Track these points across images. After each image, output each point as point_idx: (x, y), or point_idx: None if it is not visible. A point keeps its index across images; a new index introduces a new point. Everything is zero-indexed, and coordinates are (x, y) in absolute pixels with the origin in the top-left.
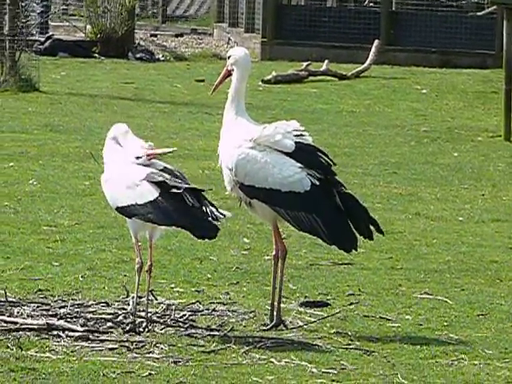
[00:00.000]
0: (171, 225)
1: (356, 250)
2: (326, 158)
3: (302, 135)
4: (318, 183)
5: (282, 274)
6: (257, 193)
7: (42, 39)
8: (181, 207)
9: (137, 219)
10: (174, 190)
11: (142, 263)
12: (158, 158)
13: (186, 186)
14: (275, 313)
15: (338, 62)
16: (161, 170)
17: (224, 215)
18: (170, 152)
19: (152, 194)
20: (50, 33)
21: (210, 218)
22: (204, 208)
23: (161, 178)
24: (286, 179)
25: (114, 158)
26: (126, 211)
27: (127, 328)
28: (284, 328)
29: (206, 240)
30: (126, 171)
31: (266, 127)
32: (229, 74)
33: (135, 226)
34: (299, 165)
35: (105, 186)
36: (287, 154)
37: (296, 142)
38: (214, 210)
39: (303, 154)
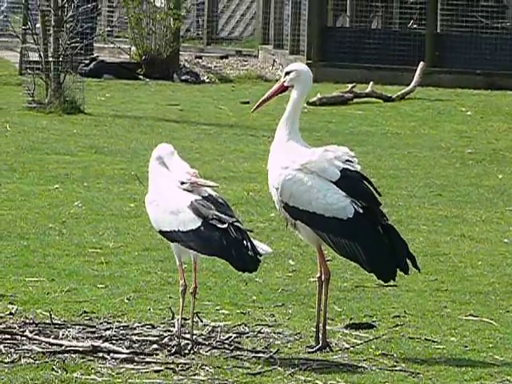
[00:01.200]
0: (212, 255)
1: (394, 280)
2: (372, 188)
3: (350, 161)
4: (361, 211)
5: (326, 296)
6: (300, 215)
7: (87, 61)
8: (223, 239)
9: (179, 245)
10: (219, 225)
11: (185, 286)
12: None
13: (231, 221)
14: (320, 335)
15: (383, 84)
16: (204, 198)
17: (265, 251)
18: (213, 186)
19: (195, 223)
20: (95, 54)
21: (251, 252)
22: (246, 242)
23: (204, 211)
24: (329, 205)
25: (159, 180)
26: (169, 236)
27: (173, 350)
28: (329, 351)
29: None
30: (170, 196)
31: (315, 152)
32: (283, 89)
33: (178, 250)
34: (344, 193)
35: (148, 208)
36: (332, 181)
37: (342, 170)
38: (256, 244)
39: (348, 182)
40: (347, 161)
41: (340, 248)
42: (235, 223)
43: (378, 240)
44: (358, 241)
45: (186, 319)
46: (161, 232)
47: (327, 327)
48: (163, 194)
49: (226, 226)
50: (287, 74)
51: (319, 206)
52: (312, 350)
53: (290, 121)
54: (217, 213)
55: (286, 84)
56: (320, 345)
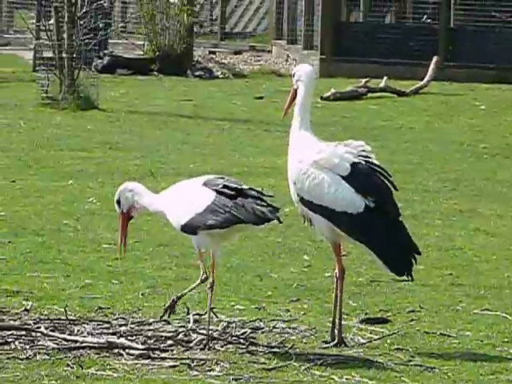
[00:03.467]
0: (232, 224)
1: (408, 275)
2: (387, 182)
3: (364, 155)
4: (372, 205)
5: (341, 293)
6: (315, 209)
7: (101, 57)
8: (237, 203)
9: (202, 233)
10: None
11: (207, 276)
12: None
13: (242, 187)
14: (336, 332)
15: (397, 79)
16: (215, 178)
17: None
18: None
19: (208, 199)
20: (109, 50)
21: (265, 205)
22: (258, 199)
23: (214, 184)
24: (340, 200)
25: (162, 194)
26: (189, 226)
27: (202, 345)
28: (345, 346)
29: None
30: (181, 190)
31: (327, 146)
32: (296, 92)
33: (199, 242)
34: (353, 188)
35: (168, 214)
36: (343, 176)
37: (352, 164)
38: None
39: (358, 177)
40: (361, 155)
41: (355, 240)
42: (243, 188)
43: (389, 234)
44: (368, 235)
45: (200, 315)
46: (183, 228)
47: (343, 322)
48: (176, 195)
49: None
50: (293, 75)
51: (330, 200)
52: (327, 345)
53: (299, 119)
54: (226, 183)
55: (295, 87)
56: (336, 341)
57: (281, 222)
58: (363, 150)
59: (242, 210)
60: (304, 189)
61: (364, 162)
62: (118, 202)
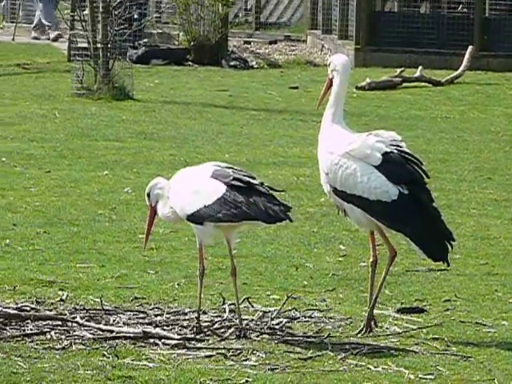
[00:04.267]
0: (242, 219)
1: (445, 261)
2: (420, 170)
3: (395, 145)
4: (406, 192)
5: (372, 281)
6: (349, 198)
7: (136, 47)
8: (248, 199)
9: (209, 224)
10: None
11: (204, 268)
12: None
13: (253, 181)
14: (366, 320)
15: (432, 68)
16: (223, 168)
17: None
18: None
19: (218, 192)
20: (144, 40)
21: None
22: (269, 196)
23: (224, 175)
24: (373, 189)
25: (172, 183)
26: (197, 217)
27: (237, 332)
28: (373, 333)
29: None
30: (189, 179)
31: (359, 137)
32: (331, 82)
33: (203, 233)
34: (386, 177)
35: (174, 202)
36: (375, 166)
37: (384, 154)
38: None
39: (390, 166)
40: (392, 145)
41: (390, 227)
42: (254, 180)
43: (423, 220)
44: (403, 222)
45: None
46: (188, 217)
47: (378, 311)
48: (183, 180)
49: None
50: (329, 65)
51: (364, 190)
52: (356, 333)
53: (333, 109)
54: (236, 175)
55: (330, 77)
56: (363, 328)
57: (291, 221)
58: (394, 140)
59: (253, 207)
60: (337, 179)
61: (396, 151)
62: (148, 195)
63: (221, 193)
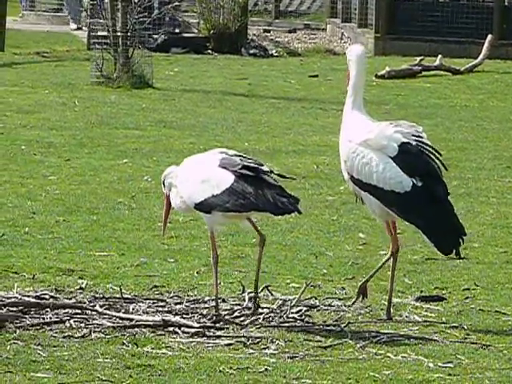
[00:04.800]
0: (249, 210)
1: (456, 254)
2: (438, 162)
3: (414, 135)
4: (419, 184)
5: (393, 271)
6: (365, 187)
7: (155, 35)
8: (257, 190)
9: (217, 212)
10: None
11: (217, 256)
12: None
13: (261, 168)
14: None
15: (451, 57)
16: (231, 156)
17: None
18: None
19: (227, 181)
20: (164, 29)
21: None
22: (278, 187)
23: (232, 164)
24: (388, 179)
25: (182, 169)
26: (205, 205)
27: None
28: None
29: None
30: (198, 167)
31: (378, 126)
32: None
33: (213, 222)
34: (401, 168)
35: (181, 188)
36: (391, 157)
37: (401, 145)
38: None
39: (406, 157)
40: (412, 136)
41: (403, 218)
42: (263, 168)
43: (435, 213)
44: (415, 214)
45: (256, 293)
46: (196, 206)
47: (397, 300)
48: (191, 168)
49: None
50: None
51: (379, 179)
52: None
53: (352, 98)
54: (245, 163)
55: (349, 68)
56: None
57: (300, 213)
58: (414, 131)
59: (262, 198)
60: (353, 167)
61: (414, 143)
62: (163, 184)
63: (229, 183)
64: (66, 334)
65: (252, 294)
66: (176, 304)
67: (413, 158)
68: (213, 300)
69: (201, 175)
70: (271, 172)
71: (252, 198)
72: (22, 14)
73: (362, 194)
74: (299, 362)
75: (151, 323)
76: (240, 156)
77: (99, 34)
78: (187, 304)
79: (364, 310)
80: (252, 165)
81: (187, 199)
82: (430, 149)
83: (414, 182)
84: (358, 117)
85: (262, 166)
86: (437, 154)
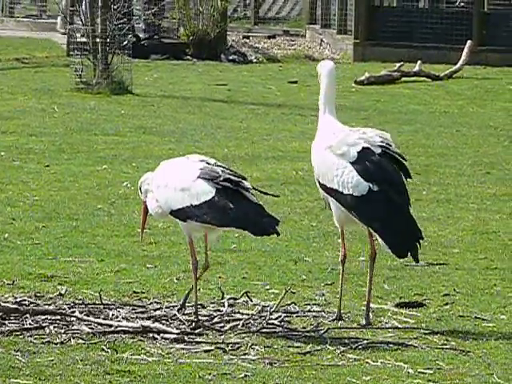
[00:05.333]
0: (227, 226)
1: (413, 257)
2: (400, 169)
3: (383, 144)
4: (376, 189)
5: (370, 277)
6: (329, 191)
7: (134, 41)
8: (238, 207)
9: (192, 222)
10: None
11: (197, 262)
12: None
13: (242, 183)
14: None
15: (431, 63)
16: (210, 164)
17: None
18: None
19: (208, 194)
20: (142, 34)
21: (267, 215)
22: (259, 206)
23: (213, 175)
24: (346, 183)
25: (160, 171)
26: (181, 214)
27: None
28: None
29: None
30: (177, 173)
31: (342, 132)
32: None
33: (189, 229)
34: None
35: (157, 193)
36: (350, 162)
37: (361, 151)
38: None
39: (365, 163)
40: (377, 142)
41: (363, 221)
42: (244, 183)
43: (390, 217)
44: (371, 217)
45: (235, 299)
46: (172, 212)
47: (376, 306)
48: (170, 174)
49: (237, 188)
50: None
51: (339, 183)
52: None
53: (322, 107)
54: (226, 175)
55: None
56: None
57: (278, 235)
58: (380, 137)
59: (242, 216)
60: (320, 172)
61: (375, 149)
62: (140, 189)
63: (210, 195)
64: (46, 340)
65: (179, 306)
66: (155, 310)
67: (370, 163)
68: (192, 306)
69: (180, 183)
70: (253, 188)
71: (232, 214)
72: (1, 19)
73: (329, 200)
74: (279, 368)
75: (131, 329)
76: (221, 166)
77: (78, 40)
78: (166, 310)
79: (343, 315)
80: (233, 178)
81: (163, 204)
82: (396, 156)
83: (371, 186)
84: (326, 124)
85: (245, 179)
86: (403, 160)
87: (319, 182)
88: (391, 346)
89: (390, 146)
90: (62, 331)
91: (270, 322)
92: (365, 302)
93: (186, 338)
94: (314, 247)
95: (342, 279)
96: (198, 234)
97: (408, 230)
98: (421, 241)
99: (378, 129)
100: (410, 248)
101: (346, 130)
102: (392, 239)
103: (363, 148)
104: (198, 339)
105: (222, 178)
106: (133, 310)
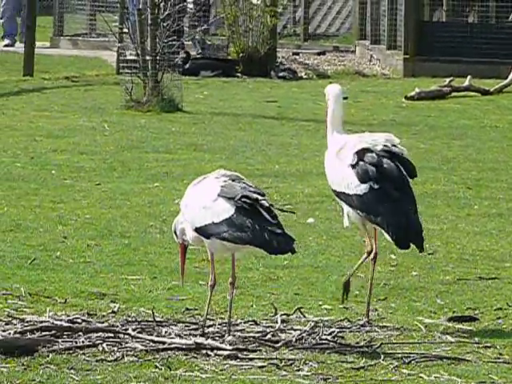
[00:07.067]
0: (245, 244)
1: (418, 248)
2: (402, 169)
3: (390, 145)
4: (376, 187)
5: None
6: (339, 196)
7: (185, 59)
8: (255, 225)
9: (215, 239)
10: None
11: (215, 282)
12: None
13: (260, 198)
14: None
15: (481, 78)
16: (232, 180)
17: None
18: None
19: (228, 211)
20: (193, 52)
21: (282, 233)
22: (277, 224)
23: (232, 192)
24: (349, 184)
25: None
26: (204, 231)
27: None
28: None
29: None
30: (200, 191)
31: (347, 138)
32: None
33: (213, 247)
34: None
35: (185, 212)
36: (351, 164)
37: (358, 152)
38: None
39: (363, 164)
40: (381, 144)
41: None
42: (263, 201)
43: (392, 211)
44: (374, 213)
45: (288, 315)
46: (196, 230)
47: (429, 320)
48: (194, 193)
49: (256, 203)
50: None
51: (344, 186)
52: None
53: (330, 128)
54: (245, 193)
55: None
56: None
57: (294, 253)
58: (385, 140)
59: (258, 235)
60: (330, 178)
61: (376, 151)
62: (175, 233)
63: (229, 213)
64: (99, 358)
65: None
66: (209, 327)
67: (369, 164)
68: (246, 322)
69: (202, 201)
70: (271, 206)
71: (249, 233)
72: (50, 38)
73: (343, 205)
74: None
75: (184, 346)
76: (242, 182)
77: (128, 58)
78: (220, 327)
79: (396, 331)
80: (252, 195)
81: (190, 223)
82: (400, 156)
83: (371, 185)
84: (336, 139)
85: (264, 196)
86: (407, 162)
87: (331, 188)
88: (444, 360)
89: (394, 146)
90: (115, 349)
91: (323, 337)
92: (419, 317)
93: (239, 354)
94: (366, 263)
95: (371, 279)
96: (221, 253)
97: (408, 223)
98: (422, 233)
99: (427, 144)
100: (411, 239)
101: (351, 136)
102: (394, 231)
103: (362, 149)
104: (252, 355)
105: (240, 195)
106: (186, 326)
